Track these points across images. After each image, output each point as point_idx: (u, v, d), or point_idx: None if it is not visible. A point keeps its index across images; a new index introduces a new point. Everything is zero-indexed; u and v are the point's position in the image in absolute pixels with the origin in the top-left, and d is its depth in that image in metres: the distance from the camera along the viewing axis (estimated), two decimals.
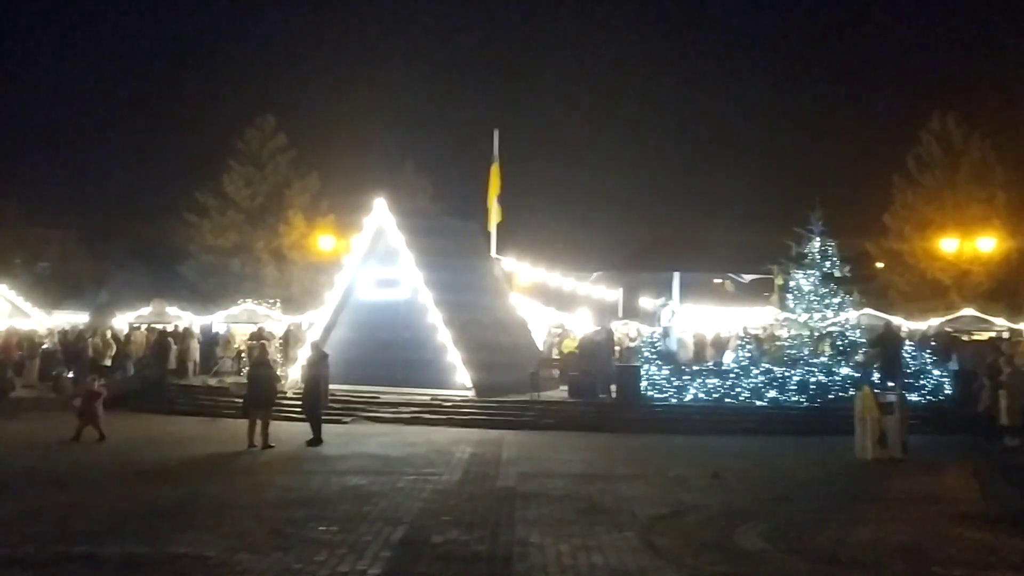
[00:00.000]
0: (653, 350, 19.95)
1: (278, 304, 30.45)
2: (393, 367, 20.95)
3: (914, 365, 18.89)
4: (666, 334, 21.17)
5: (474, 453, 13.97)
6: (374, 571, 6.87)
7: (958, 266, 38.43)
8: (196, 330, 28.55)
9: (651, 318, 24.45)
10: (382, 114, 62.10)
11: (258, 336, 24.96)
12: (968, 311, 31.70)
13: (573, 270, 30.18)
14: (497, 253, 26.19)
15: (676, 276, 22.57)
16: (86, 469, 12.42)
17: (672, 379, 19.18)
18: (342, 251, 30.39)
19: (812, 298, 20.13)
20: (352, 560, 7.17)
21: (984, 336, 28.89)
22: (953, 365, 19.59)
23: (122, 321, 31.89)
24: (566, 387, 20.73)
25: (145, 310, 32.54)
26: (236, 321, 30.70)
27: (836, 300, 20.21)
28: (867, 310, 28.70)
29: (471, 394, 19.88)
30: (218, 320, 31.59)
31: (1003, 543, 8.10)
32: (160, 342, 25.06)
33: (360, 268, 22.47)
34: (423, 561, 7.21)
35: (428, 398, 19.57)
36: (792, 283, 20.68)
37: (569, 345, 25.13)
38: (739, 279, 25.75)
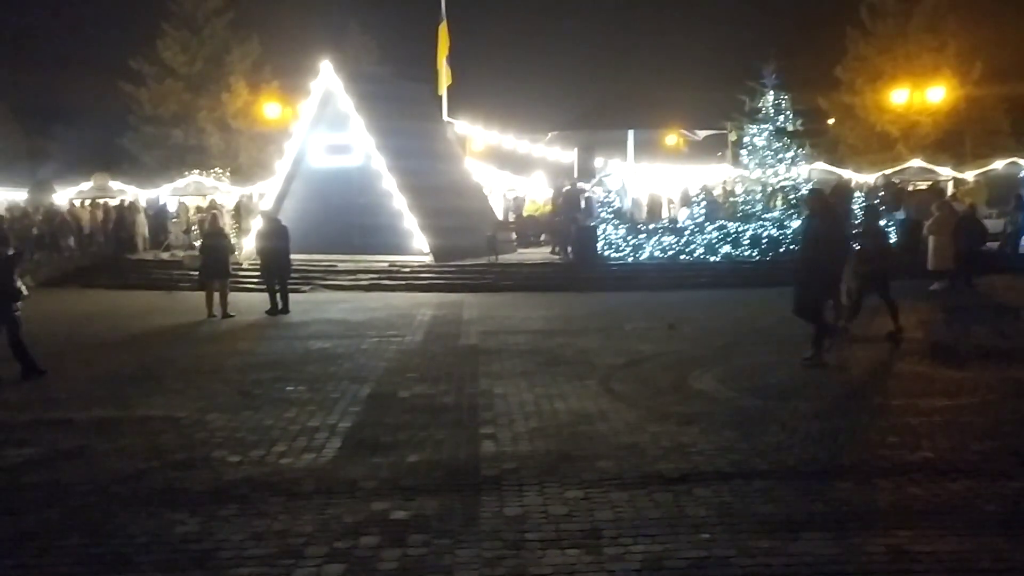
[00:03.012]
0: (610, 211, 20.08)
1: (227, 175, 29.68)
2: (349, 234, 20.86)
3: (864, 219, 19.30)
4: (621, 195, 21.22)
5: (435, 315, 14.17)
6: (344, 424, 7.08)
7: (907, 118, 38.73)
8: (142, 204, 27.89)
9: (598, 182, 24.40)
10: None
11: (210, 207, 24.52)
12: (915, 162, 32.25)
13: (527, 132, 29.79)
14: (449, 116, 25.67)
15: (631, 134, 22.46)
16: (43, 341, 12.32)
17: (628, 238, 19.44)
18: (289, 118, 29.51)
19: (765, 153, 20.25)
20: (322, 416, 7.36)
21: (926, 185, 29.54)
22: (900, 215, 20.10)
23: (63, 197, 30.95)
24: (547, 247, 20.85)
25: (86, 185, 31.51)
26: (183, 194, 29.99)
27: (789, 155, 20.37)
28: (819, 164, 29.02)
29: (429, 259, 19.96)
30: (164, 193, 30.81)
31: (939, 374, 8.61)
32: (119, 216, 24.56)
33: (309, 135, 21.93)
34: (391, 414, 7.43)
35: (386, 264, 19.62)
36: (745, 139, 20.74)
37: (531, 208, 25.09)
38: (693, 136, 25.72)
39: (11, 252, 9.72)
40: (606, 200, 20.68)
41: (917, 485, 5.35)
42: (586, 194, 21.37)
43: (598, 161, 27.78)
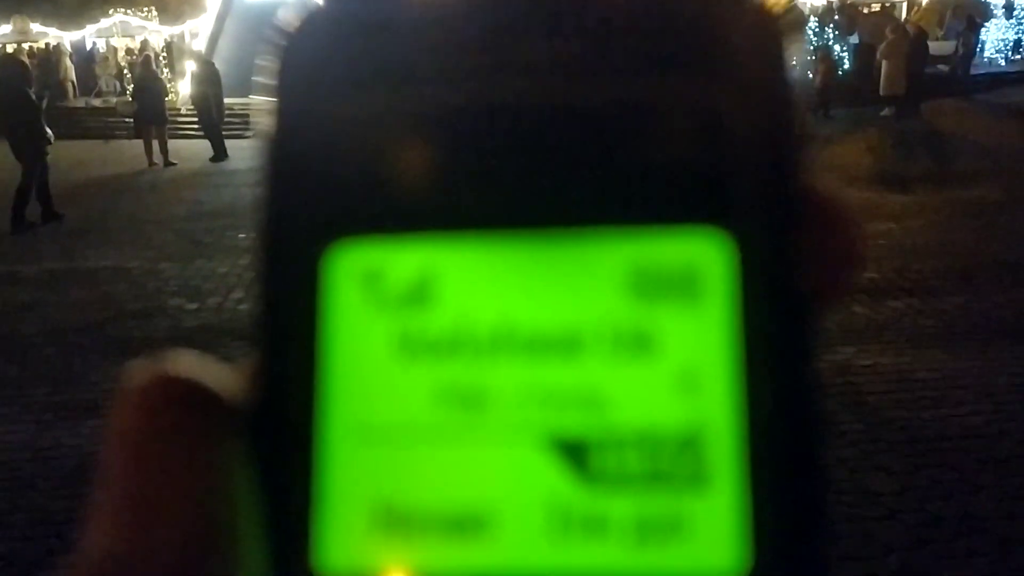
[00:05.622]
0: None
1: (154, 13, 27.88)
2: None
3: (817, 42, 19.04)
4: None
5: None
6: None
7: None
8: (67, 47, 26.28)
9: None
10: None
11: (140, 50, 23.21)
12: None
13: None
14: None
15: None
16: None
17: None
18: None
19: None
20: None
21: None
22: (854, 39, 19.84)
23: None
24: None
25: (5, 28, 29.43)
26: (109, 35, 28.24)
27: None
28: None
29: None
30: (89, 35, 28.97)
31: (885, 199, 8.80)
32: (45, 60, 23.09)
33: None
34: None
35: None
36: None
37: None
38: None
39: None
40: None
41: (861, 305, 5.57)
42: None
43: None
